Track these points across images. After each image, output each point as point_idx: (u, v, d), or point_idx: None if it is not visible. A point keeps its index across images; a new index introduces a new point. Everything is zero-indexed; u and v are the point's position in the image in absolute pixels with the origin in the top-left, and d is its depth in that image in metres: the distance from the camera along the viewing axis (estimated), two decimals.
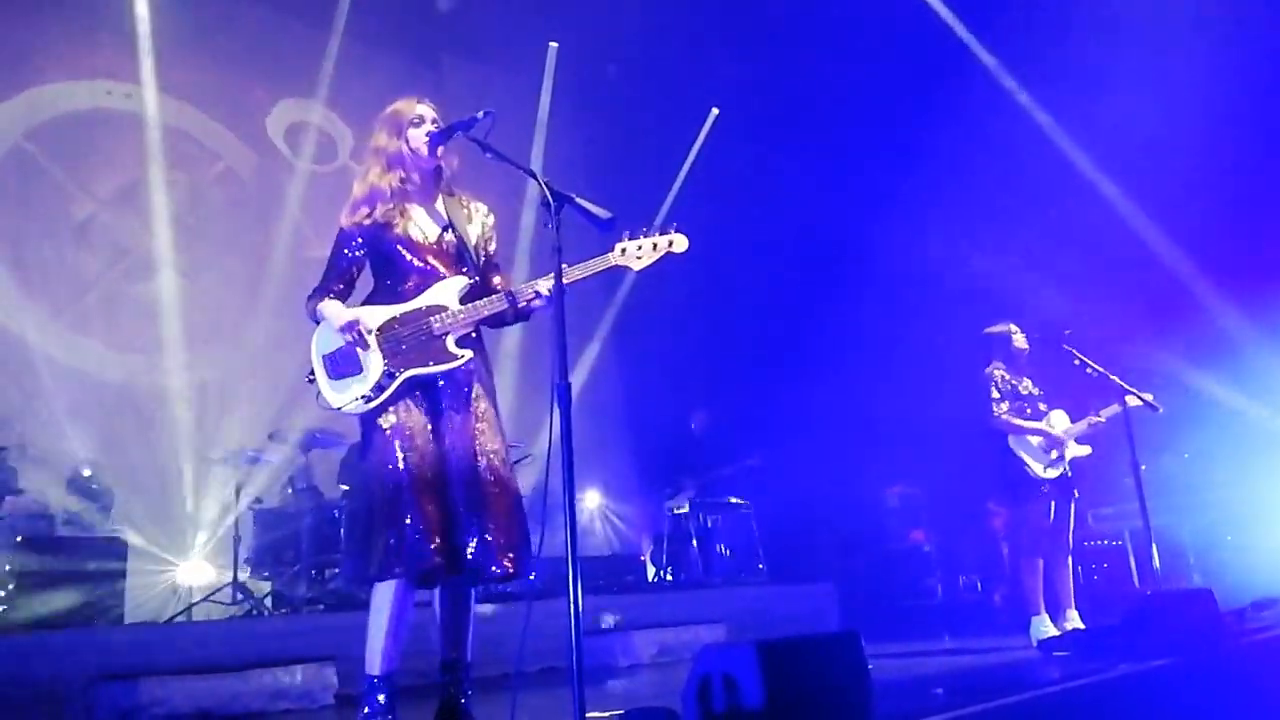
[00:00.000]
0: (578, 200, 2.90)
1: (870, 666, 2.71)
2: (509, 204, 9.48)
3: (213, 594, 6.21)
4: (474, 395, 3.22)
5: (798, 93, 9.26)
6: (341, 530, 6.12)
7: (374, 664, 3.03)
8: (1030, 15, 8.44)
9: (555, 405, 2.70)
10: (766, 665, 2.38)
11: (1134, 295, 7.76)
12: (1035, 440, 5.54)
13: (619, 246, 3.13)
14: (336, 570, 6.13)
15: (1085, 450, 5.64)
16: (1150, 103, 7.47)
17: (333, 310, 3.22)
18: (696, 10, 9.13)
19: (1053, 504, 5.49)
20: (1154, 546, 5.16)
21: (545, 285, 3.13)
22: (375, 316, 3.20)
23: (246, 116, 8.55)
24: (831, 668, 2.61)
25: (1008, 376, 5.66)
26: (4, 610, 5.11)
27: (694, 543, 8.05)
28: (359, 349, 3.15)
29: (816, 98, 9.18)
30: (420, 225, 3.31)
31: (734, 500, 8.31)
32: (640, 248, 3.12)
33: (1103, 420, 5.57)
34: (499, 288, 3.32)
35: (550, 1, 9.03)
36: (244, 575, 6.30)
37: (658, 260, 3.14)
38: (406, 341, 3.16)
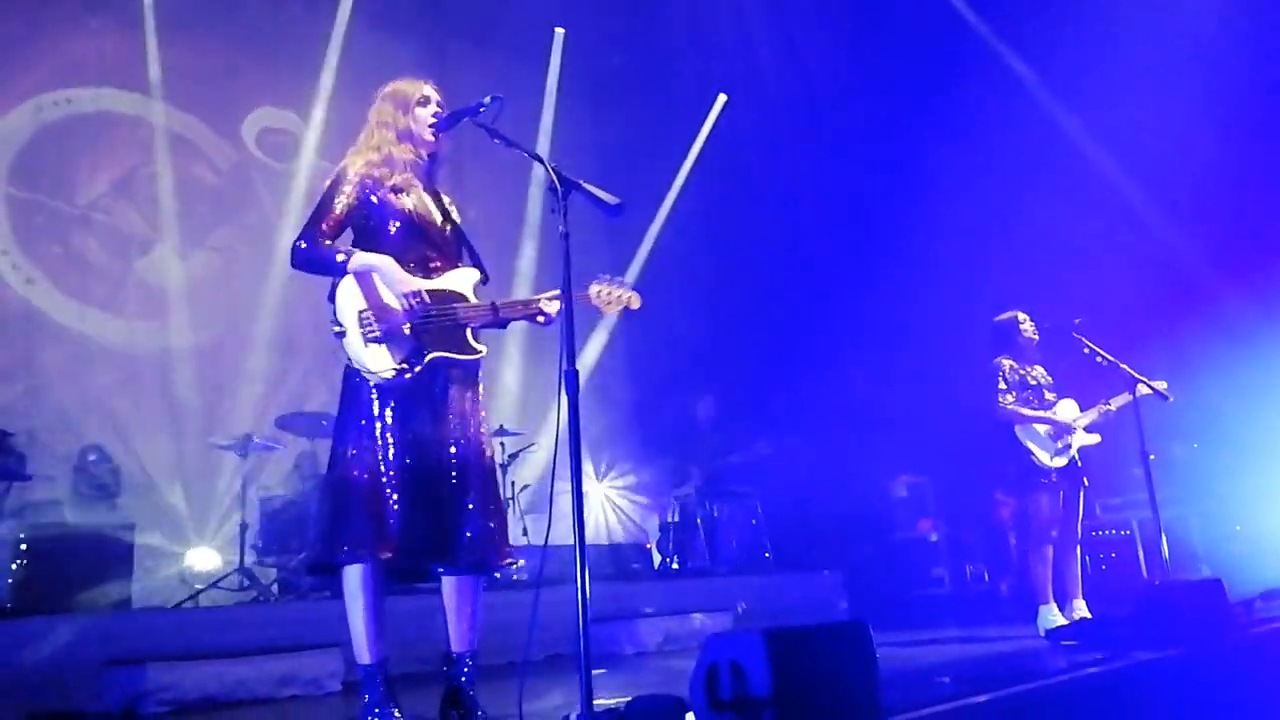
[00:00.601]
0: (585, 186, 2.88)
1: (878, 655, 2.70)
2: (516, 189, 9.51)
3: (219, 580, 6.22)
4: (478, 386, 3.22)
5: (806, 77, 9.21)
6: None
7: (363, 653, 2.99)
8: (1045, 2, 8.38)
9: (563, 392, 2.69)
10: (774, 654, 2.37)
11: (1145, 284, 7.71)
12: (1042, 429, 5.51)
13: (594, 289, 3.12)
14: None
15: (1094, 439, 5.61)
16: (1164, 93, 7.42)
17: (384, 264, 3.05)
18: None
19: (1060, 493, 5.47)
20: (1163, 536, 5.14)
21: (551, 307, 3.15)
22: (413, 282, 3.09)
23: (246, 113, 8.50)
24: (839, 657, 2.59)
25: (1016, 366, 5.63)
26: (12, 595, 5.12)
27: (700, 531, 8.05)
28: (407, 319, 3.03)
29: (826, 82, 9.13)
30: (428, 207, 3.25)
31: (741, 489, 8.31)
32: (610, 294, 3.12)
33: (1113, 409, 5.54)
34: None
35: None
36: (251, 562, 6.31)
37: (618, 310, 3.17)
38: (435, 322, 3.08)
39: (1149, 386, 5.40)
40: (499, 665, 4.31)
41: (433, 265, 3.19)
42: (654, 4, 8.94)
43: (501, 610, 5.13)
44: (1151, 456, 5.23)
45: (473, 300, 3.18)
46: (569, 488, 2.64)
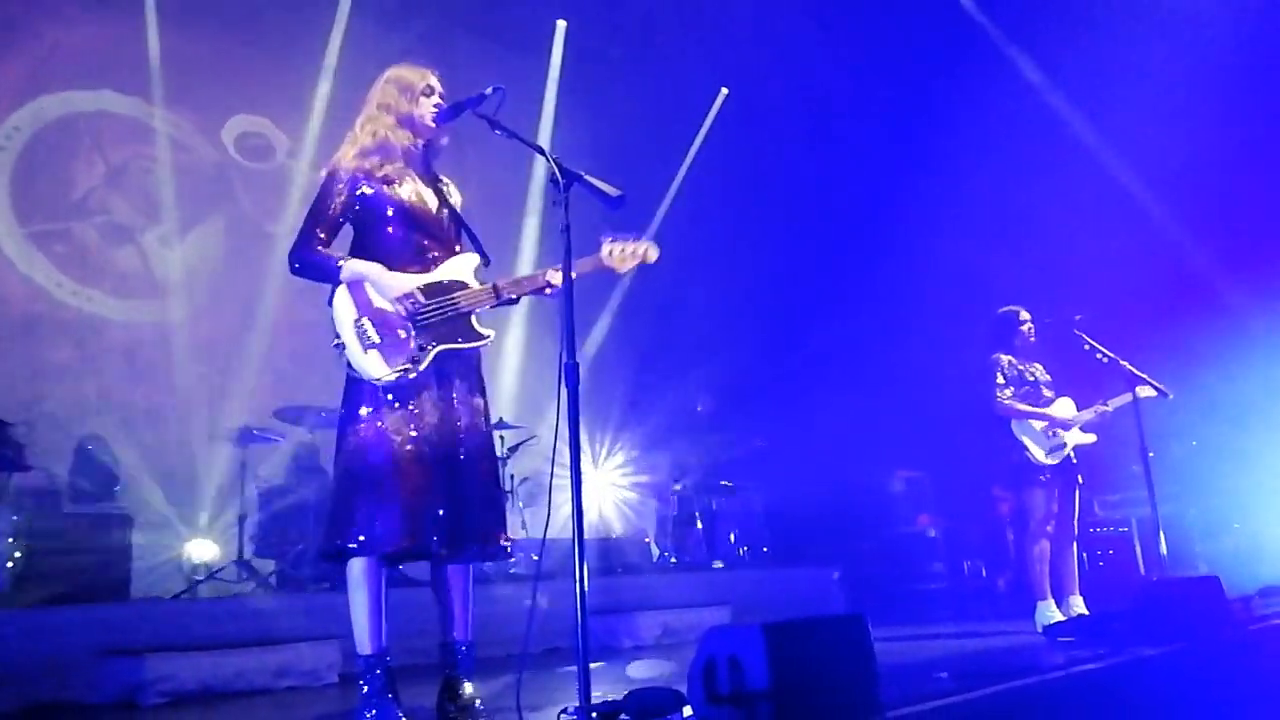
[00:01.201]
0: (587, 178, 2.87)
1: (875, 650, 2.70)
2: (517, 180, 9.49)
3: (217, 572, 6.22)
4: (480, 375, 3.22)
5: (808, 72, 9.19)
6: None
7: (364, 643, 2.99)
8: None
9: (563, 385, 2.68)
10: (772, 647, 2.38)
11: (1145, 283, 7.71)
12: (1038, 426, 5.51)
13: (605, 248, 3.10)
14: None
15: (1090, 438, 5.60)
16: (1168, 91, 7.41)
17: (373, 271, 3.04)
18: None
19: (1055, 490, 5.47)
20: (1161, 533, 5.14)
21: (556, 277, 3.10)
22: (405, 284, 3.07)
23: (243, 107, 8.49)
24: (837, 650, 2.60)
25: (1014, 362, 5.63)
26: (11, 585, 5.12)
27: (698, 524, 8.05)
28: (404, 322, 3.02)
29: (828, 77, 9.11)
30: (423, 195, 3.23)
31: (739, 483, 8.31)
32: (624, 250, 3.10)
33: (1110, 409, 5.54)
34: None
35: None
36: (249, 553, 6.31)
37: (635, 267, 3.15)
38: (435, 315, 3.07)
39: (1150, 385, 5.40)
40: (497, 657, 4.31)
41: (430, 254, 3.17)
42: None
43: (500, 603, 5.15)
44: (1151, 454, 5.23)
45: (474, 285, 3.17)
46: (568, 481, 2.64)
